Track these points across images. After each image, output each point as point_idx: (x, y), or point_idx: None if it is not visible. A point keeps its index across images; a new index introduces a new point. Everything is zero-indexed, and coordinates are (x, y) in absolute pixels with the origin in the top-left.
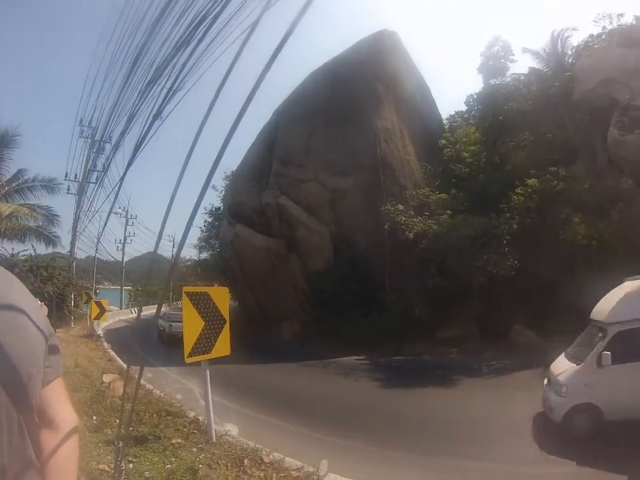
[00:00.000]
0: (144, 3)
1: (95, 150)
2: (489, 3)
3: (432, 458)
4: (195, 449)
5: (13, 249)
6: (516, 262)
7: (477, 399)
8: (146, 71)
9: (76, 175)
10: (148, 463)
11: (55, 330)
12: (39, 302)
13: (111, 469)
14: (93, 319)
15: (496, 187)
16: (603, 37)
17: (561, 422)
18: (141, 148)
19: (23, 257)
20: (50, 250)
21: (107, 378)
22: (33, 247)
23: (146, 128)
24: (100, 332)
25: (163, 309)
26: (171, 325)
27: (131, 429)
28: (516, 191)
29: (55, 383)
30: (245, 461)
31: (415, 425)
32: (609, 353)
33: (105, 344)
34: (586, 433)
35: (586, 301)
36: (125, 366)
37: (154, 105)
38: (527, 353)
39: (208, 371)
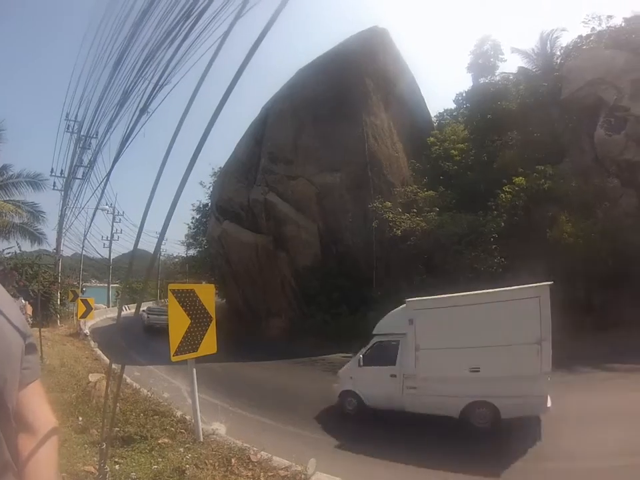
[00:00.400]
0: None
1: (81, 145)
2: (479, 2)
3: (421, 456)
4: (182, 449)
5: None
6: (503, 259)
7: None
8: (132, 66)
9: (62, 170)
10: (134, 464)
11: (40, 329)
12: (23, 301)
13: (97, 471)
14: (80, 318)
15: (484, 184)
16: (592, 38)
17: (337, 402)
18: (128, 143)
19: (8, 255)
20: (35, 247)
21: (93, 377)
22: (17, 244)
23: (132, 123)
24: (87, 330)
25: (150, 304)
26: (149, 317)
27: (117, 429)
28: (504, 189)
29: (33, 385)
30: (233, 460)
31: (404, 422)
32: (361, 356)
33: (92, 343)
34: (353, 412)
35: (572, 298)
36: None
37: (140, 100)
38: None
39: (194, 370)
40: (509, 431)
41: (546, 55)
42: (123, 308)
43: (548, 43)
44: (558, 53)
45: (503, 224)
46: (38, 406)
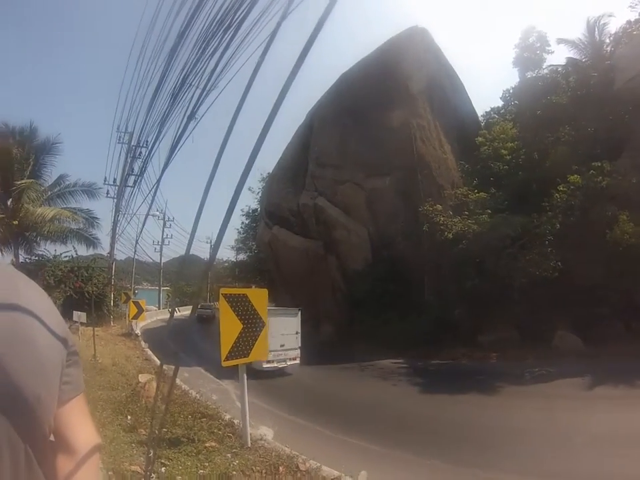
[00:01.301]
0: (174, 6)
1: (131, 155)
2: None
3: (474, 469)
4: (229, 454)
5: (55, 250)
6: (559, 263)
7: (521, 408)
8: (179, 74)
9: (114, 179)
10: (181, 467)
11: (94, 329)
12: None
13: (143, 471)
14: (131, 319)
15: (536, 184)
16: None
17: None
18: (176, 150)
19: (65, 258)
20: (90, 251)
21: (142, 378)
22: (74, 248)
23: (180, 130)
24: (138, 331)
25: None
26: (198, 310)
27: (164, 430)
28: (558, 188)
29: (74, 401)
30: (280, 468)
31: (457, 433)
32: None
33: (143, 343)
34: None
35: (634, 303)
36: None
37: (187, 107)
38: (572, 360)
39: (245, 375)
40: None
41: (595, 44)
42: (169, 311)
43: (596, 30)
44: (607, 40)
45: (558, 225)
46: (79, 424)
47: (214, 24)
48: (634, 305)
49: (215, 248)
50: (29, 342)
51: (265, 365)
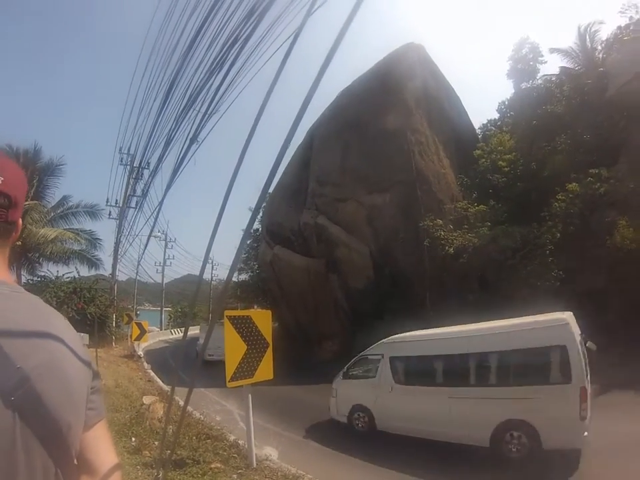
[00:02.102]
0: (177, 30)
1: (134, 176)
2: (507, 8)
3: None
4: (234, 475)
5: (57, 271)
6: (560, 272)
7: None
8: (181, 97)
9: (116, 200)
10: None
11: (97, 350)
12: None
13: None
14: (134, 340)
15: (535, 194)
16: (632, 27)
17: None
18: (179, 172)
19: (67, 279)
20: (93, 272)
21: (147, 400)
22: (76, 269)
23: (183, 152)
24: (140, 352)
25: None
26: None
27: (169, 451)
28: (557, 197)
29: (97, 425)
30: None
31: (461, 450)
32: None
33: (145, 364)
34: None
35: (637, 311)
36: (164, 387)
37: (190, 130)
38: None
39: (250, 396)
40: None
41: (587, 51)
42: (173, 332)
43: (587, 37)
44: (599, 47)
45: (558, 234)
46: (101, 448)
47: (219, 47)
48: (634, 312)
49: (231, 272)
50: (61, 373)
51: (208, 357)
